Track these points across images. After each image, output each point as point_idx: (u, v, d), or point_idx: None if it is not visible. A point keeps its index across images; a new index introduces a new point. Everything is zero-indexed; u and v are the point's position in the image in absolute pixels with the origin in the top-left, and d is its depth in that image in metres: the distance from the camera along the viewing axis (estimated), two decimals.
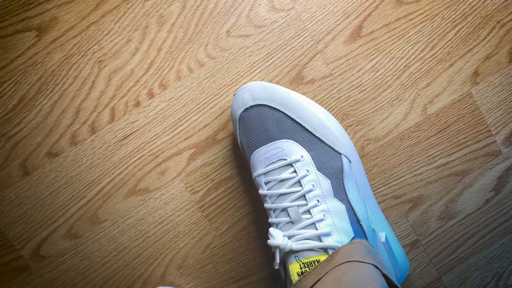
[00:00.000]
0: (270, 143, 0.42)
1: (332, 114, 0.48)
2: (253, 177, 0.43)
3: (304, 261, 0.39)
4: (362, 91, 0.48)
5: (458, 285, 0.52)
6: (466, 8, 0.48)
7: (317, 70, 0.48)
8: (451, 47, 0.48)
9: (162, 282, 0.50)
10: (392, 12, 0.47)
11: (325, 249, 0.38)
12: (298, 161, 0.41)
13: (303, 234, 0.39)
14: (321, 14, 0.47)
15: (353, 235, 0.40)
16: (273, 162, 0.42)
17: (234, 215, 0.50)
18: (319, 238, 0.39)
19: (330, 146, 0.43)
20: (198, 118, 0.48)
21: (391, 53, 0.48)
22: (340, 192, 0.41)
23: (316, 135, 0.43)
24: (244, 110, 0.44)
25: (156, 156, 0.48)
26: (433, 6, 0.47)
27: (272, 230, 0.40)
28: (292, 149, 0.42)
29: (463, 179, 0.51)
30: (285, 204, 0.41)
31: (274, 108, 0.43)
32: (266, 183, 0.42)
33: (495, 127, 0.50)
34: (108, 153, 0.47)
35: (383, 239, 0.45)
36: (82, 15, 0.45)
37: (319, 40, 0.47)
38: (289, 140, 0.42)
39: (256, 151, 0.43)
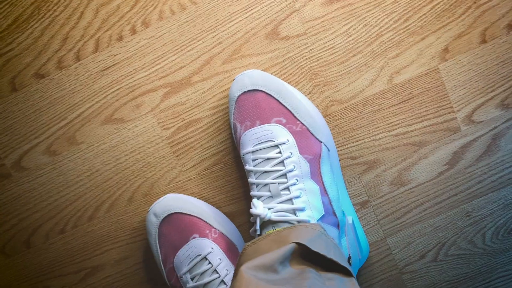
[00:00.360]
0: (261, 125, 0.49)
1: (301, 72, 0.52)
2: (241, 154, 0.51)
3: (279, 230, 0.46)
4: (333, 54, 0.51)
5: (401, 247, 0.57)
6: None
7: (293, 27, 0.51)
8: (425, 21, 0.51)
9: (128, 205, 0.55)
10: None
11: (298, 222, 0.46)
12: (284, 143, 0.48)
13: (281, 206, 0.46)
14: None
15: (323, 213, 0.49)
16: (261, 142, 0.49)
17: (200, 155, 0.54)
18: (294, 212, 0.47)
19: (313, 134, 0.50)
20: (176, 59, 0.52)
21: (366, 20, 0.50)
22: (316, 175, 0.49)
23: (303, 122, 0.50)
24: (242, 93, 0.50)
25: (133, 90, 0.52)
26: None
27: (255, 201, 0.48)
28: (280, 133, 0.49)
29: (419, 150, 0.54)
30: (267, 180, 0.48)
31: (270, 95, 0.50)
32: (253, 160, 0.49)
33: (457, 104, 0.53)
34: (90, 81, 0.52)
35: (350, 222, 0.53)
36: None
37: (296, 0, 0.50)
38: (278, 125, 0.48)
39: (247, 131, 0.50)
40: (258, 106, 0.50)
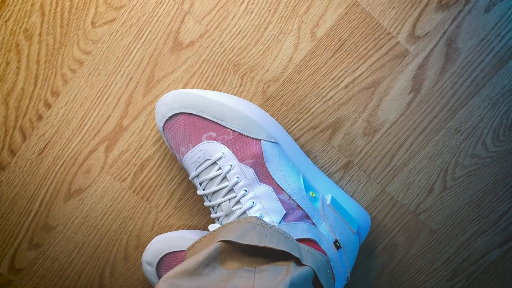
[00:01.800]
0: (194, 147, 0.48)
1: (222, 69, 0.50)
2: (190, 179, 0.50)
3: (214, 230, 0.44)
4: (244, 37, 0.49)
5: (404, 191, 0.55)
6: None
7: (192, 31, 0.49)
8: None
9: (126, 263, 0.56)
10: None
11: None
12: (220, 158, 0.47)
13: None
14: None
15: (284, 211, 0.47)
16: (200, 164, 0.48)
17: (168, 189, 0.54)
18: None
19: (248, 136, 0.48)
20: (99, 112, 0.51)
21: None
22: (264, 176, 0.48)
23: (233, 128, 0.48)
24: (165, 122, 0.49)
25: (76, 158, 0.52)
26: None
27: (210, 227, 0.48)
28: (214, 148, 0.48)
29: (376, 90, 0.51)
30: (219, 200, 0.47)
31: (191, 114, 0.49)
32: (200, 184, 0.49)
33: (393, 27, 0.49)
34: (34, 168, 0.53)
35: (328, 201, 0.51)
36: None
37: (183, 1, 0.48)
38: (209, 141, 0.48)
39: (184, 156, 0.49)
40: (184, 129, 0.49)
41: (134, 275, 0.60)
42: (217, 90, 0.53)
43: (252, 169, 0.47)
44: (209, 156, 0.47)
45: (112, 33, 0.51)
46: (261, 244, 0.41)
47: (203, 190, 0.48)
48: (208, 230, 0.57)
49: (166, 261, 0.54)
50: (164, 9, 0.51)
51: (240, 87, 0.53)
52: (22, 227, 0.58)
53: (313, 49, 0.52)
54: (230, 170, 0.47)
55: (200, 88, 0.53)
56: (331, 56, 0.52)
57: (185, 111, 0.48)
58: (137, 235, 0.58)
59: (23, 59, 0.52)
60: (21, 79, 0.53)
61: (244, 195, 0.46)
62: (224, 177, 0.47)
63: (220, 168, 0.47)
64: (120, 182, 0.56)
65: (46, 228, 0.58)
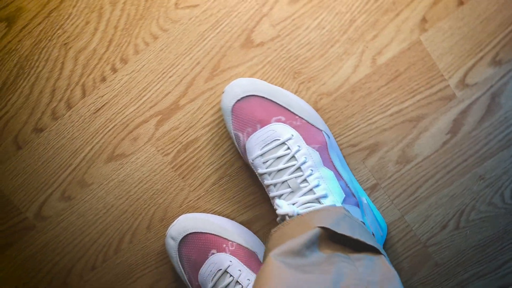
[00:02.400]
0: (263, 128, 0.51)
1: (283, 73, 0.54)
2: (250, 160, 0.53)
3: (302, 214, 0.49)
4: (310, 49, 0.53)
5: (420, 222, 0.59)
6: None
7: (265, 32, 0.53)
8: None
9: (148, 233, 0.59)
10: None
11: None
12: (289, 139, 0.51)
13: (305, 199, 0.49)
14: None
15: (344, 195, 0.52)
16: (268, 144, 0.52)
17: (204, 172, 0.57)
18: (318, 201, 0.50)
19: (313, 125, 0.53)
20: (160, 87, 0.55)
21: (336, 9, 0.52)
22: (327, 161, 0.53)
23: (301, 116, 0.53)
24: (236, 102, 0.53)
25: (127, 125, 0.55)
26: None
27: (278, 201, 0.51)
28: (283, 130, 0.51)
29: (418, 124, 0.55)
30: (284, 177, 0.51)
31: (263, 97, 0.52)
32: (264, 163, 0.52)
33: (447, 71, 0.54)
34: (85, 125, 0.56)
35: (365, 202, 0.56)
36: (43, 3, 0.52)
37: (264, 4, 0.52)
38: (279, 123, 0.51)
39: (251, 136, 0.52)
40: (255, 110, 0.52)
41: (152, 245, 0.63)
42: None
43: (318, 153, 0.51)
44: (278, 137, 0.51)
45: (191, 18, 0.55)
46: (355, 236, 0.45)
47: (267, 168, 0.51)
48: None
49: (189, 240, 0.57)
50: (245, 7, 0.54)
51: (295, 93, 0.57)
52: (58, 177, 0.61)
53: (370, 74, 0.56)
54: (298, 150, 0.51)
55: None
56: (385, 84, 0.57)
57: (258, 94, 0.52)
58: (165, 209, 0.62)
59: (102, 22, 0.55)
60: (95, 40, 0.56)
61: (310, 174, 0.50)
62: (292, 157, 0.51)
63: (288, 148, 0.51)
64: (163, 156, 0.60)
65: (81, 183, 0.61)
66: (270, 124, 0.52)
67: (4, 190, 0.61)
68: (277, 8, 0.54)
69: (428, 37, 0.55)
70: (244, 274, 0.55)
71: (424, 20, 0.55)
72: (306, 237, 0.44)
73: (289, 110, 0.53)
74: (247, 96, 0.53)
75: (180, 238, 0.58)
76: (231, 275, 0.55)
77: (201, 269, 0.57)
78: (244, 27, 0.55)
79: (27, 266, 0.64)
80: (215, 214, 0.62)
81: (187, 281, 0.59)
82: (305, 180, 0.50)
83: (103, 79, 0.57)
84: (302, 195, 0.50)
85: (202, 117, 0.58)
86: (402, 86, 0.57)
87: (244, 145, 0.53)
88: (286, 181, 0.51)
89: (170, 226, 0.59)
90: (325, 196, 0.50)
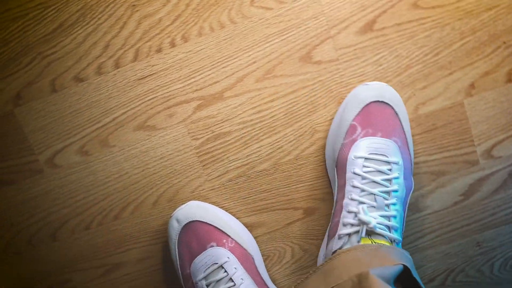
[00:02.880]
0: (383, 138, 0.55)
1: (330, 95, 0.56)
2: (351, 156, 0.54)
3: (376, 241, 0.51)
4: (362, 81, 0.55)
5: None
6: (476, 23, 0.54)
7: (326, 53, 0.55)
8: (454, 57, 0.55)
9: (152, 209, 0.60)
10: (406, 13, 0.53)
11: (392, 241, 0.51)
12: (395, 163, 0.53)
13: (384, 222, 0.51)
14: (340, 3, 0.53)
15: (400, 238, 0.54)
16: (377, 154, 0.54)
17: (226, 166, 0.59)
18: (389, 229, 0.52)
19: (411, 170, 0.58)
20: (211, 74, 0.56)
21: (397, 51, 0.54)
22: (404, 203, 0.55)
23: (410, 154, 0.58)
24: (375, 101, 0.55)
25: (167, 100, 0.56)
26: (446, 15, 0.54)
27: (365, 207, 0.52)
28: (394, 152, 0.54)
29: (438, 179, 0.58)
30: (375, 190, 0.52)
31: (396, 115, 0.56)
32: (363, 166, 0.53)
33: (478, 138, 0.57)
34: (127, 88, 0.56)
35: None
36: None
37: (333, 26, 0.54)
38: (395, 144, 0.55)
39: (368, 137, 0.55)
40: (386, 120, 0.54)
41: (152, 222, 0.64)
42: (315, 110, 0.59)
43: (405, 191, 0.55)
44: (387, 154, 0.53)
45: (262, 18, 0.57)
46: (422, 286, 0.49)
47: (364, 172, 0.53)
48: None
49: (193, 227, 0.58)
50: (315, 24, 0.57)
51: (332, 115, 0.59)
52: (83, 131, 0.61)
53: (410, 120, 0.59)
54: (397, 178, 0.53)
55: (304, 104, 0.59)
56: (420, 133, 0.60)
57: (395, 109, 0.55)
58: (177, 190, 0.62)
59: None
60: (164, 11, 0.57)
61: (394, 204, 0.53)
62: (389, 180, 0.53)
63: (390, 170, 0.53)
64: (191, 139, 0.61)
65: (103, 143, 0.61)
66: (389, 139, 0.54)
67: (24, 128, 0.61)
68: (344, 34, 0.57)
69: (471, 102, 0.59)
70: (239, 273, 0.57)
71: (472, 86, 0.58)
72: (392, 270, 0.45)
73: (407, 141, 0.56)
74: (387, 103, 0.55)
75: (185, 223, 0.58)
76: (225, 271, 0.56)
77: (196, 258, 0.58)
78: (308, 42, 0.57)
79: (22, 208, 0.63)
80: (222, 209, 0.63)
81: (178, 266, 0.60)
82: (388, 205, 0.53)
83: (159, 50, 0.58)
84: (381, 216, 0.52)
85: (240, 114, 0.60)
86: (434, 139, 0.60)
87: (355, 140, 0.55)
88: (374, 194, 0.52)
89: (178, 208, 0.59)
90: (396, 229, 0.53)
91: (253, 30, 0.57)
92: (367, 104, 0.55)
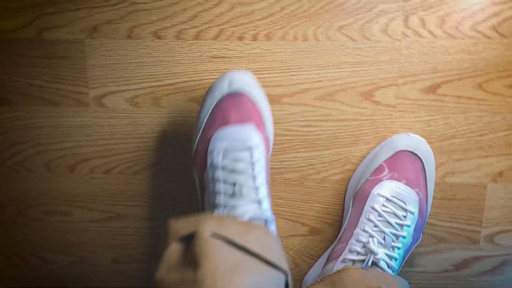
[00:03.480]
0: (407, 186, 0.60)
1: (374, 135, 0.60)
2: (373, 192, 0.59)
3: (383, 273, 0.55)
4: (407, 132, 0.59)
5: None
6: None
7: (386, 97, 0.59)
8: (495, 143, 0.59)
9: (175, 178, 0.62)
10: (469, 90, 0.58)
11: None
12: (412, 213, 0.58)
13: (387, 260, 0.56)
14: (417, 59, 0.57)
15: None
16: (398, 199, 0.59)
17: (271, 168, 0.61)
18: (389, 267, 0.56)
19: (422, 225, 0.62)
20: (278, 77, 0.60)
21: (448, 120, 0.59)
22: (408, 252, 0.61)
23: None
24: (412, 152, 0.61)
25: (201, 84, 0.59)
26: (502, 105, 0.58)
27: (375, 241, 0.56)
28: (414, 202, 0.59)
29: (438, 244, 0.63)
30: (386, 230, 0.57)
31: (423, 167, 0.61)
32: (383, 205, 0.58)
33: (487, 222, 0.62)
34: (198, 61, 0.59)
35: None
36: None
37: (402, 76, 0.58)
38: (417, 195, 0.60)
39: (393, 181, 0.60)
40: (413, 171, 0.59)
41: (170, 188, 0.66)
42: (357, 144, 0.63)
43: (411, 242, 0.59)
44: (407, 201, 0.59)
45: (343, 45, 0.61)
46: None
47: (383, 211, 0.59)
48: None
49: (240, 97, 0.53)
50: (387, 68, 0.61)
51: (364, 154, 0.64)
52: (141, 83, 0.63)
53: (436, 183, 0.64)
54: (409, 226, 0.57)
55: (349, 134, 0.63)
56: (439, 198, 0.64)
57: (424, 163, 0.61)
58: None
59: None
60: (259, 6, 0.60)
61: (399, 248, 0.57)
62: (402, 226, 0.58)
63: (405, 217, 0.58)
64: None
65: (155, 101, 0.64)
66: (411, 189, 0.59)
67: (88, 60, 0.63)
68: (409, 87, 0.61)
69: (494, 188, 0.64)
70: (261, 163, 0.52)
71: (500, 174, 0.63)
72: None
73: (426, 189, 0.61)
74: (420, 157, 0.60)
75: (235, 89, 0.53)
76: (251, 154, 0.51)
77: (225, 127, 0.52)
78: (375, 81, 0.61)
79: (53, 132, 0.65)
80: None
81: (203, 125, 0.54)
82: (394, 248, 0.57)
83: (240, 38, 0.61)
84: (385, 254, 0.57)
85: (290, 122, 0.63)
86: (449, 208, 0.65)
87: (380, 180, 0.60)
88: (384, 233, 0.57)
89: (236, 72, 0.54)
90: (394, 270, 0.58)
91: (331, 53, 0.61)
92: (401, 151, 0.59)
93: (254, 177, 0.51)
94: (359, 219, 0.58)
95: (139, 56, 0.62)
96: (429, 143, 0.63)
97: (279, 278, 0.47)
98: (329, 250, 0.63)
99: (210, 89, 0.54)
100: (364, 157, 0.64)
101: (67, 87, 0.64)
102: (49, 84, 0.64)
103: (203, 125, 0.54)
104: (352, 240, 0.57)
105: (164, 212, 0.67)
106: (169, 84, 0.63)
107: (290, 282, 0.49)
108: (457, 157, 0.63)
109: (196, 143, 0.55)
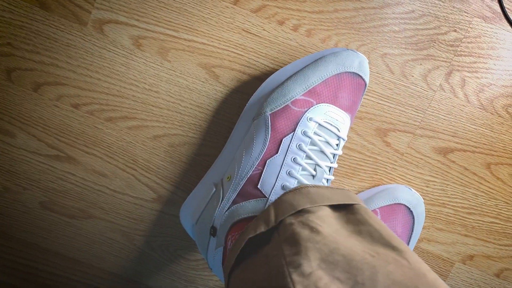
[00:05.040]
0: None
1: (372, 177, 0.56)
2: None
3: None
4: (404, 185, 0.57)
5: None
6: None
7: (399, 142, 0.56)
8: (479, 227, 0.59)
9: (149, 141, 0.55)
10: (477, 166, 0.57)
11: None
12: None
13: None
14: (443, 117, 0.55)
15: None
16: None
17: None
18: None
19: None
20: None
21: (446, 187, 0.57)
22: None
23: None
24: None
25: (245, 65, 0.54)
26: (500, 191, 0.59)
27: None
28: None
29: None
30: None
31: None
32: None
33: None
34: (226, 27, 0.54)
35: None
36: None
37: (422, 128, 0.55)
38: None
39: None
40: (402, 224, 0.57)
41: (135, 150, 0.59)
42: (351, 177, 0.60)
43: None
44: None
45: (379, 74, 0.57)
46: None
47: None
48: None
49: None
50: (412, 114, 0.58)
51: (362, 191, 0.60)
52: (155, 25, 0.56)
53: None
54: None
55: (348, 165, 0.59)
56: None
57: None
58: (183, 142, 0.59)
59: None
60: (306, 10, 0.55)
61: None
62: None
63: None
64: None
65: (162, 51, 0.56)
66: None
67: None
68: (424, 141, 0.59)
69: (460, 269, 0.63)
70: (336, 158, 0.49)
71: (471, 257, 0.63)
72: None
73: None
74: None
75: (364, 74, 0.50)
76: (338, 147, 0.49)
77: (333, 104, 0.49)
78: (395, 122, 0.58)
79: (31, 38, 0.55)
80: None
81: (310, 84, 0.50)
82: None
83: (280, 23, 0.56)
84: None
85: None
86: None
87: None
88: None
89: (362, 55, 0.51)
90: None
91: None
92: (399, 204, 0.57)
93: (330, 169, 0.48)
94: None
95: None
96: (432, 206, 0.60)
97: None
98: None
99: (335, 55, 0.49)
100: (357, 193, 0.60)
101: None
102: None
103: (312, 86, 0.49)
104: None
105: (121, 173, 0.59)
106: (185, 39, 0.56)
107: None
108: (439, 226, 0.61)
109: (292, 99, 0.49)
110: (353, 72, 0.49)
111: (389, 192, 0.57)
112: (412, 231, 0.57)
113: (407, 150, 0.59)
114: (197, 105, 0.58)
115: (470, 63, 0.57)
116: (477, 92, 0.58)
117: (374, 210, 0.56)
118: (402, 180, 0.60)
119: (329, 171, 0.49)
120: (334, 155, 0.49)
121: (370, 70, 0.57)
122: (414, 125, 0.58)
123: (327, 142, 0.48)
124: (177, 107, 0.58)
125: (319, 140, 0.48)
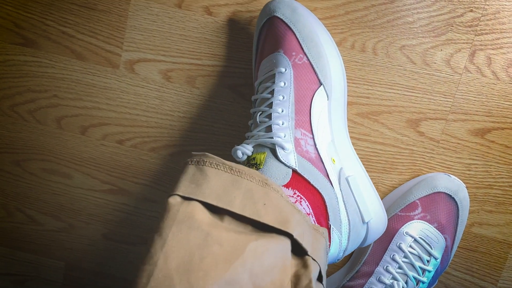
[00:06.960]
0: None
1: (410, 167, 0.57)
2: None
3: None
4: (445, 172, 0.57)
5: None
6: None
7: (433, 130, 0.56)
8: None
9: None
10: None
11: None
12: (435, 258, 0.57)
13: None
14: (473, 98, 0.55)
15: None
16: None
17: None
18: None
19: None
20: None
21: (489, 168, 0.57)
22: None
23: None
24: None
25: None
26: None
27: (400, 285, 0.55)
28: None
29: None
30: (410, 274, 0.55)
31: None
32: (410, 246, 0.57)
33: (503, 282, 0.60)
34: (244, 47, 0.58)
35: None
36: None
37: (454, 112, 0.56)
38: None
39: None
40: (447, 215, 0.58)
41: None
42: (389, 172, 0.61)
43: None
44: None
45: (400, 66, 0.58)
46: None
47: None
48: None
49: (274, 22, 0.53)
50: (441, 100, 0.58)
51: (401, 184, 0.61)
52: (180, 57, 0.60)
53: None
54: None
55: (384, 160, 0.61)
56: (460, 247, 0.62)
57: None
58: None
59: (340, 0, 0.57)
60: (323, 5, 0.57)
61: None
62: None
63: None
64: None
65: (190, 79, 0.60)
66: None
67: (129, 20, 0.59)
68: (458, 125, 0.59)
69: None
70: (286, 91, 0.50)
71: None
72: None
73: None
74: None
75: (269, 17, 0.53)
76: (274, 84, 0.50)
77: (264, 59, 0.53)
78: (425, 111, 0.59)
79: (74, 87, 0.62)
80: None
81: (254, 60, 0.56)
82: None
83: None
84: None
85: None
86: (468, 259, 0.62)
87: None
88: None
89: None
90: None
91: (386, 70, 0.58)
92: (439, 192, 0.57)
93: (270, 104, 0.50)
94: (383, 256, 0.55)
95: (184, 29, 0.59)
96: (465, 187, 0.60)
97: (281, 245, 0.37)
98: (343, 281, 0.60)
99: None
100: (394, 187, 0.61)
101: (100, 44, 0.60)
102: (82, 36, 0.60)
103: (254, 60, 0.56)
104: (373, 279, 0.55)
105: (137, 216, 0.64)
106: (209, 66, 0.60)
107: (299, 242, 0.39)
108: (489, 209, 0.61)
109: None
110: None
111: (427, 182, 0.57)
112: (458, 217, 0.57)
113: (442, 136, 0.59)
114: (229, 124, 0.61)
115: (493, 40, 0.57)
116: (506, 67, 0.57)
117: (413, 202, 0.57)
118: (441, 167, 0.60)
119: None
120: None
121: (390, 64, 0.58)
122: (445, 111, 0.59)
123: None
124: (210, 129, 0.62)
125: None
